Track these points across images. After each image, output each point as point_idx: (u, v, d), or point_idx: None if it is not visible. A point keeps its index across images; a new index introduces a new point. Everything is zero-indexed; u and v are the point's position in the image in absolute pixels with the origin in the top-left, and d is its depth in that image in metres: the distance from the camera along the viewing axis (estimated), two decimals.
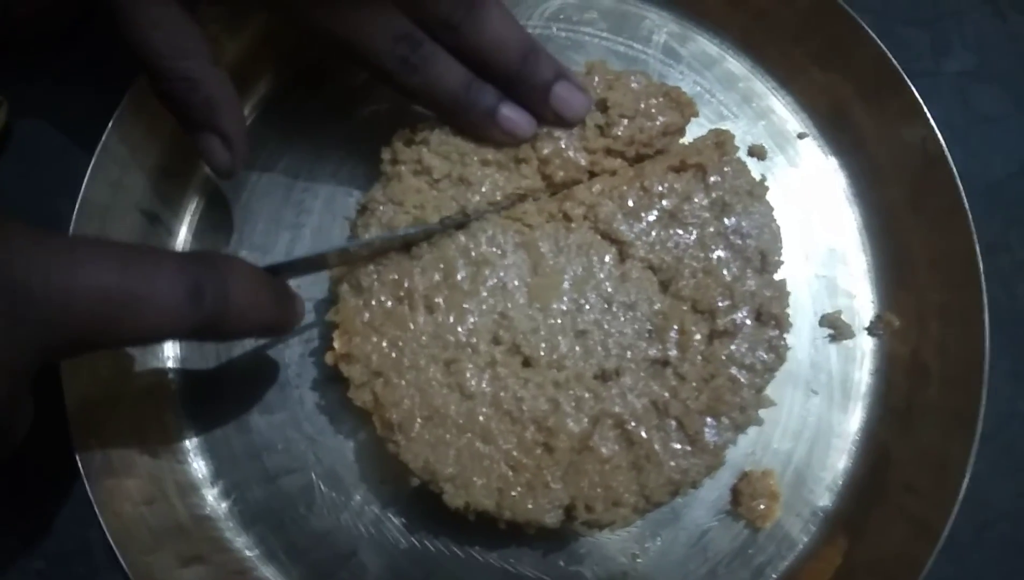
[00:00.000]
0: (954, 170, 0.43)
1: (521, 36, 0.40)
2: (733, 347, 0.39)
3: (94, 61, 0.47)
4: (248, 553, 0.43)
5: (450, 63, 0.39)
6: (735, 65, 0.49)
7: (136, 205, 0.44)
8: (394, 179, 0.41)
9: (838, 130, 0.48)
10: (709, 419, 0.39)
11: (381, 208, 0.41)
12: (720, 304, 0.40)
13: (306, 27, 0.39)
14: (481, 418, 0.38)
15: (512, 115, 0.40)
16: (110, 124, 0.42)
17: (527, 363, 0.39)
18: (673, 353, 0.39)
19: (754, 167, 0.47)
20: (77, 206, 0.41)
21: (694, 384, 0.39)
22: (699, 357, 0.39)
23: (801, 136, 0.48)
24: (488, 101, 0.40)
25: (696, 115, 0.43)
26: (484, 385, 0.39)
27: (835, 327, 0.45)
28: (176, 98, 0.38)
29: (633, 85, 0.42)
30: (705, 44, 0.49)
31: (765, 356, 0.40)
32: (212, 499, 0.43)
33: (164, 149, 0.44)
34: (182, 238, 0.46)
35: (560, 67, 0.40)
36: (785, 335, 0.40)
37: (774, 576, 0.43)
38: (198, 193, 0.46)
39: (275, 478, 0.43)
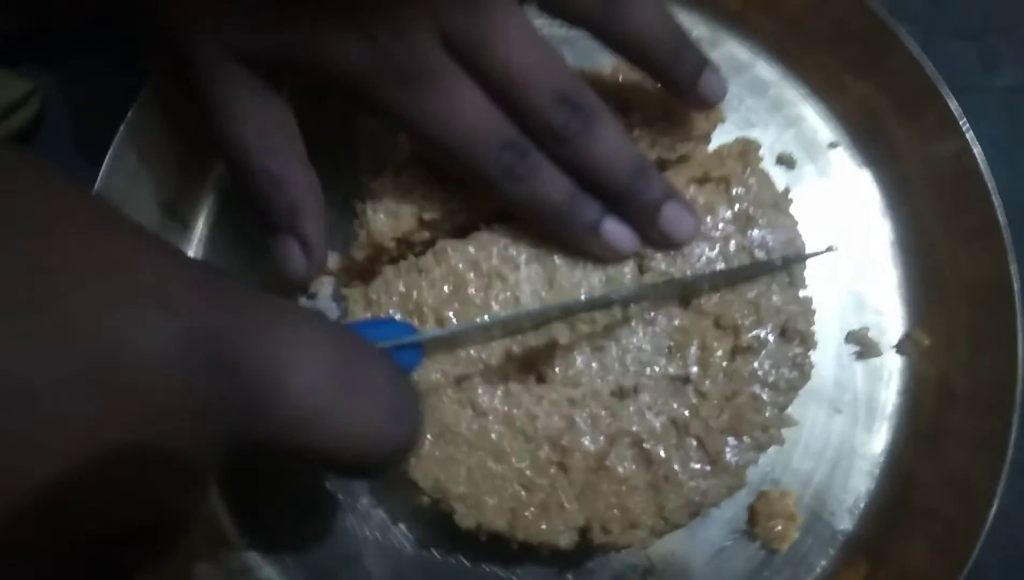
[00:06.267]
0: (989, 187, 0.41)
1: (633, 153, 0.38)
2: (756, 364, 0.38)
3: (129, 47, 0.46)
4: (250, 552, 0.42)
5: (555, 174, 0.37)
6: (766, 70, 0.47)
7: (154, 198, 0.43)
8: (405, 169, 0.40)
9: (871, 141, 0.46)
10: (730, 438, 0.37)
11: (387, 197, 0.39)
12: (743, 321, 0.38)
13: (407, 131, 0.37)
14: (494, 436, 0.37)
15: (616, 230, 0.38)
16: (122, 128, 0.41)
17: (541, 379, 0.38)
18: (694, 370, 0.38)
19: (783, 176, 0.46)
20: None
21: (715, 402, 0.38)
22: (721, 374, 0.38)
23: (832, 145, 0.46)
24: (592, 215, 0.38)
25: (722, 120, 0.42)
26: (496, 402, 0.38)
27: (862, 344, 0.44)
28: (259, 196, 0.37)
29: (659, 87, 0.40)
30: (736, 48, 0.47)
31: (789, 374, 0.38)
32: (213, 497, 0.43)
33: (182, 145, 0.43)
34: (199, 233, 0.45)
35: (670, 187, 0.39)
36: (810, 353, 0.39)
37: None
38: (216, 189, 0.46)
39: (279, 476, 0.43)
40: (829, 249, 0.40)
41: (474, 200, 0.39)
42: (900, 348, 0.44)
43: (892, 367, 0.44)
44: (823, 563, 0.42)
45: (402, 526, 0.42)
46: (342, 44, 0.34)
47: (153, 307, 0.21)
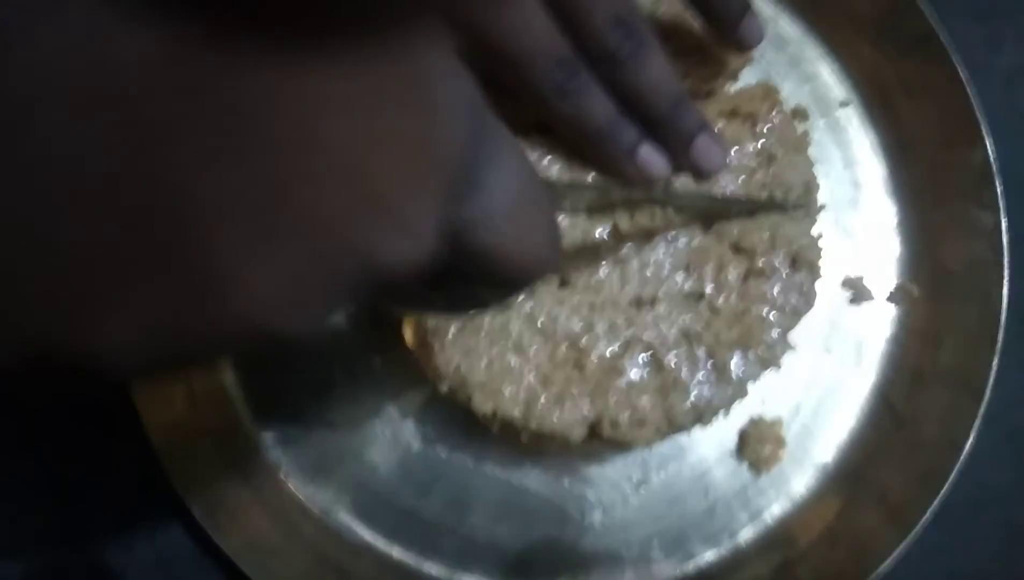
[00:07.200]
0: (991, 158, 0.44)
1: (674, 82, 0.40)
2: (766, 288, 0.40)
3: None
4: (262, 433, 0.45)
5: (601, 95, 0.38)
6: (788, 27, 0.49)
7: None
8: None
9: (881, 105, 0.48)
10: (737, 353, 0.40)
11: None
12: (759, 246, 0.41)
13: (476, 36, 0.37)
14: (514, 332, 0.39)
15: (650, 155, 0.40)
16: None
17: (564, 284, 0.40)
18: (709, 287, 0.40)
19: (796, 127, 0.48)
20: None
21: (726, 318, 0.40)
22: (733, 293, 0.40)
23: (844, 104, 0.49)
24: (630, 138, 0.39)
25: (751, 60, 0.44)
26: (520, 300, 0.39)
27: (856, 289, 0.46)
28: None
29: (696, 24, 0.42)
30: (762, 3, 0.49)
31: (795, 300, 0.41)
32: (228, 383, 0.44)
33: None
34: None
35: (704, 119, 0.41)
36: (816, 283, 0.41)
37: (769, 520, 0.44)
38: None
39: (292, 363, 0.45)
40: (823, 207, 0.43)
41: (514, 111, 0.41)
42: (892, 297, 0.47)
43: (883, 313, 0.46)
44: (804, 489, 0.45)
45: (411, 422, 0.44)
46: None
47: None
